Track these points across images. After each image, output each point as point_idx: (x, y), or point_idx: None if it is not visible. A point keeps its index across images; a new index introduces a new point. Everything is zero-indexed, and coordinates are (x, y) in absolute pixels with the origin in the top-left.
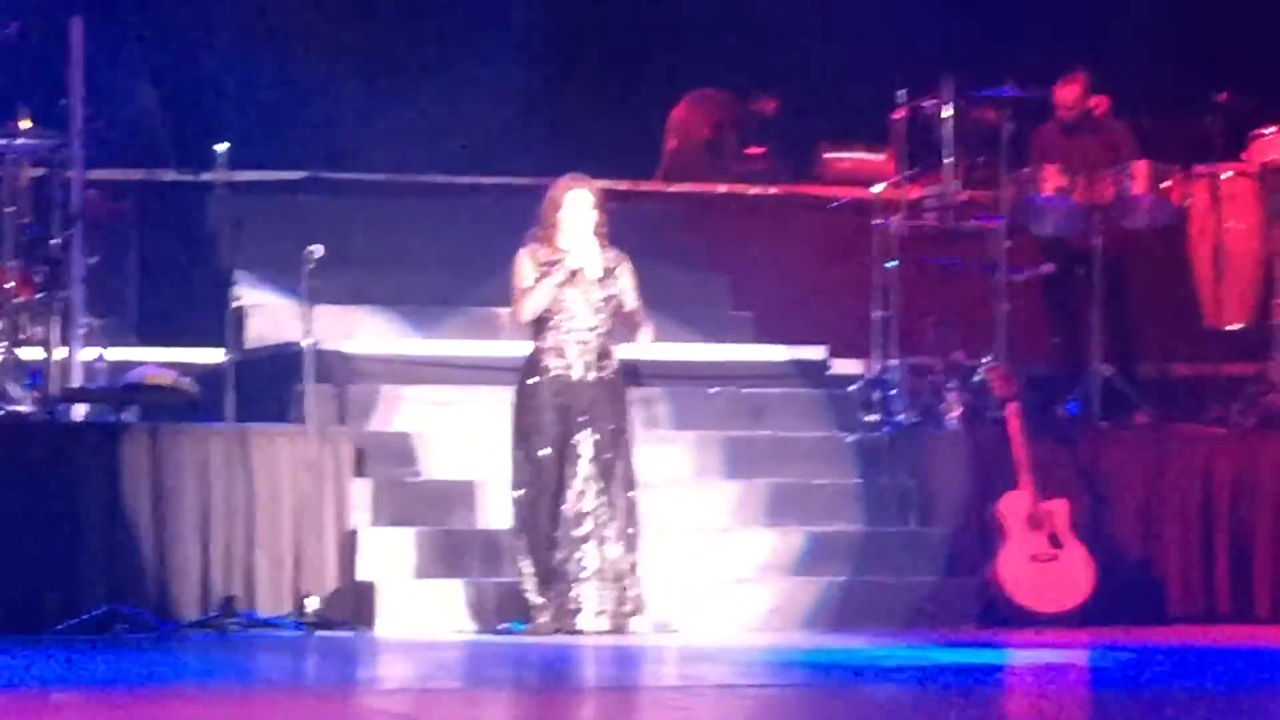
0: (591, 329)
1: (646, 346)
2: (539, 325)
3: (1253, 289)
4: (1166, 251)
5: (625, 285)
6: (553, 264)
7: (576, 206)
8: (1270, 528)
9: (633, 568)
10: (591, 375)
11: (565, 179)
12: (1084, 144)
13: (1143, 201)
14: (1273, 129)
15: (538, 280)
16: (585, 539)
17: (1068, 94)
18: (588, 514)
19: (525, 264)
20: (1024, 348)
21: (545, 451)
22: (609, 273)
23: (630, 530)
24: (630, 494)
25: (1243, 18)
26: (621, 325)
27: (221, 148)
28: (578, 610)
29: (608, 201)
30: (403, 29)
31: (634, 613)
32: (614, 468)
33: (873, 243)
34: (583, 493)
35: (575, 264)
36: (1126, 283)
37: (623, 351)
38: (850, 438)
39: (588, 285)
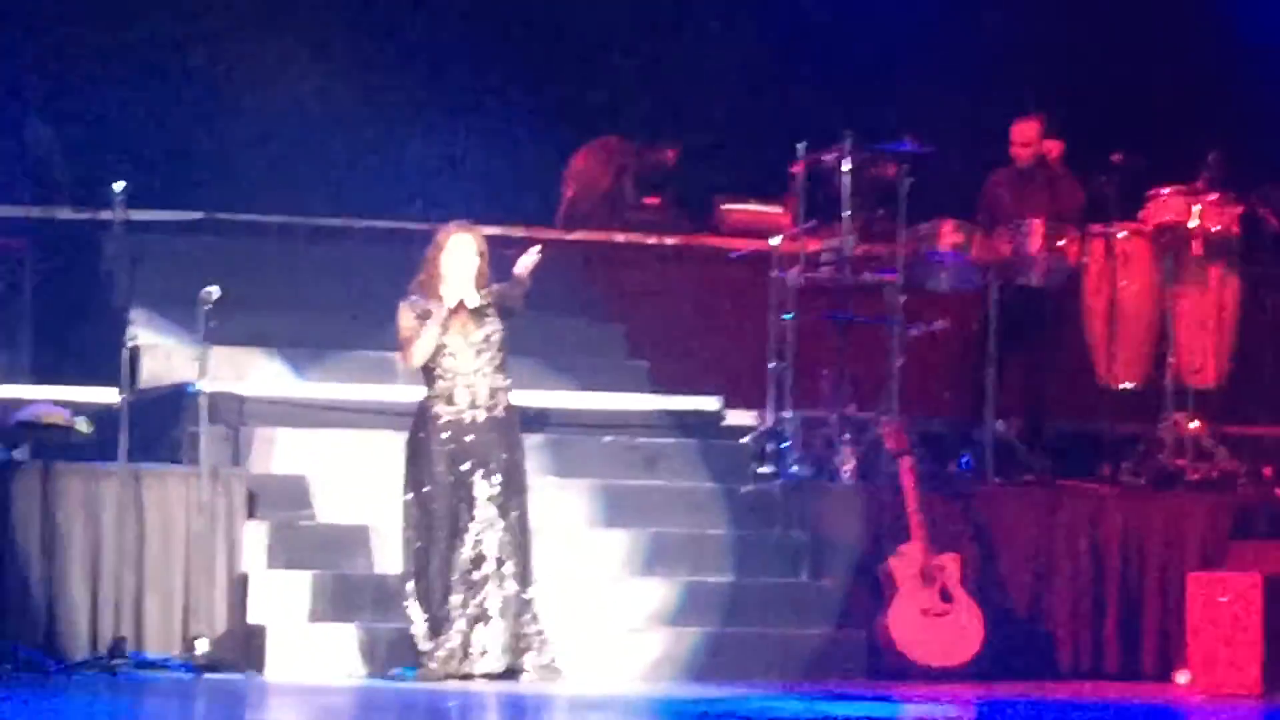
0: (476, 370)
1: (529, 260)
2: (427, 373)
3: (1146, 348)
4: (1061, 309)
5: (499, 291)
6: (430, 313)
7: (458, 251)
8: (1158, 586)
9: (530, 604)
10: (482, 416)
11: (449, 225)
12: (1039, 197)
13: (1038, 259)
14: (1168, 189)
15: (420, 327)
16: (485, 580)
17: (1024, 131)
18: (486, 556)
19: (404, 315)
20: (918, 402)
21: (438, 497)
22: (486, 311)
23: (526, 568)
24: (526, 532)
25: (1139, 79)
26: (513, 295)
27: (119, 186)
28: (481, 653)
29: (505, 248)
30: (303, 71)
31: (534, 649)
32: (509, 507)
33: (769, 294)
34: (480, 535)
35: (453, 301)
36: (1022, 340)
37: (516, 398)
38: (743, 489)
39: (468, 328)
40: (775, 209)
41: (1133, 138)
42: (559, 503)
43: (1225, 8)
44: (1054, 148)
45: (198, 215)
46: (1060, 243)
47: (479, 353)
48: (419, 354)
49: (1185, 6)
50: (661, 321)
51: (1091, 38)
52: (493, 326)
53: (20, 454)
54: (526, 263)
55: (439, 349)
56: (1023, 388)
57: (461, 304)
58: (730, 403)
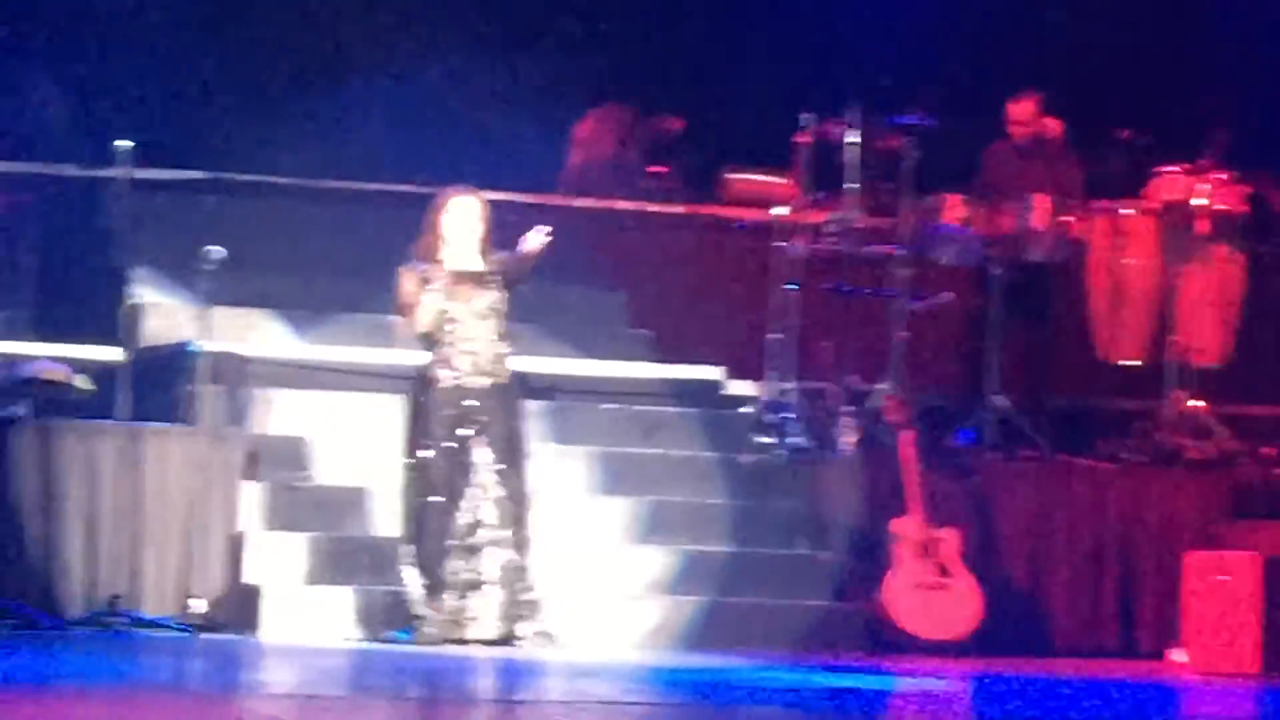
0: (479, 337)
1: (538, 239)
2: (428, 338)
3: (1148, 325)
4: (1064, 285)
5: (501, 259)
6: (431, 279)
7: (461, 215)
8: (1156, 564)
9: (526, 572)
10: (484, 382)
11: (452, 188)
12: (1037, 173)
13: (1042, 235)
14: (1173, 167)
15: (420, 292)
16: (482, 546)
17: (1020, 110)
18: (484, 522)
19: (405, 280)
20: (920, 376)
21: (437, 462)
22: (489, 278)
23: (524, 535)
24: (524, 500)
25: (1146, 56)
26: (519, 268)
27: (124, 144)
28: (475, 619)
29: (509, 214)
30: (311, 32)
31: (529, 616)
32: (509, 474)
33: (773, 265)
34: (478, 503)
35: (454, 265)
36: (1025, 315)
37: (518, 364)
38: (744, 459)
39: (471, 294)
40: (781, 179)
41: (1140, 115)
42: (559, 470)
43: None
44: (1054, 125)
45: (203, 175)
46: (1065, 218)
47: (482, 319)
48: (422, 318)
49: None
50: (664, 290)
51: (1099, 10)
52: (496, 294)
53: (20, 411)
54: (535, 241)
55: (442, 314)
56: (1024, 363)
57: (464, 269)
58: (732, 373)
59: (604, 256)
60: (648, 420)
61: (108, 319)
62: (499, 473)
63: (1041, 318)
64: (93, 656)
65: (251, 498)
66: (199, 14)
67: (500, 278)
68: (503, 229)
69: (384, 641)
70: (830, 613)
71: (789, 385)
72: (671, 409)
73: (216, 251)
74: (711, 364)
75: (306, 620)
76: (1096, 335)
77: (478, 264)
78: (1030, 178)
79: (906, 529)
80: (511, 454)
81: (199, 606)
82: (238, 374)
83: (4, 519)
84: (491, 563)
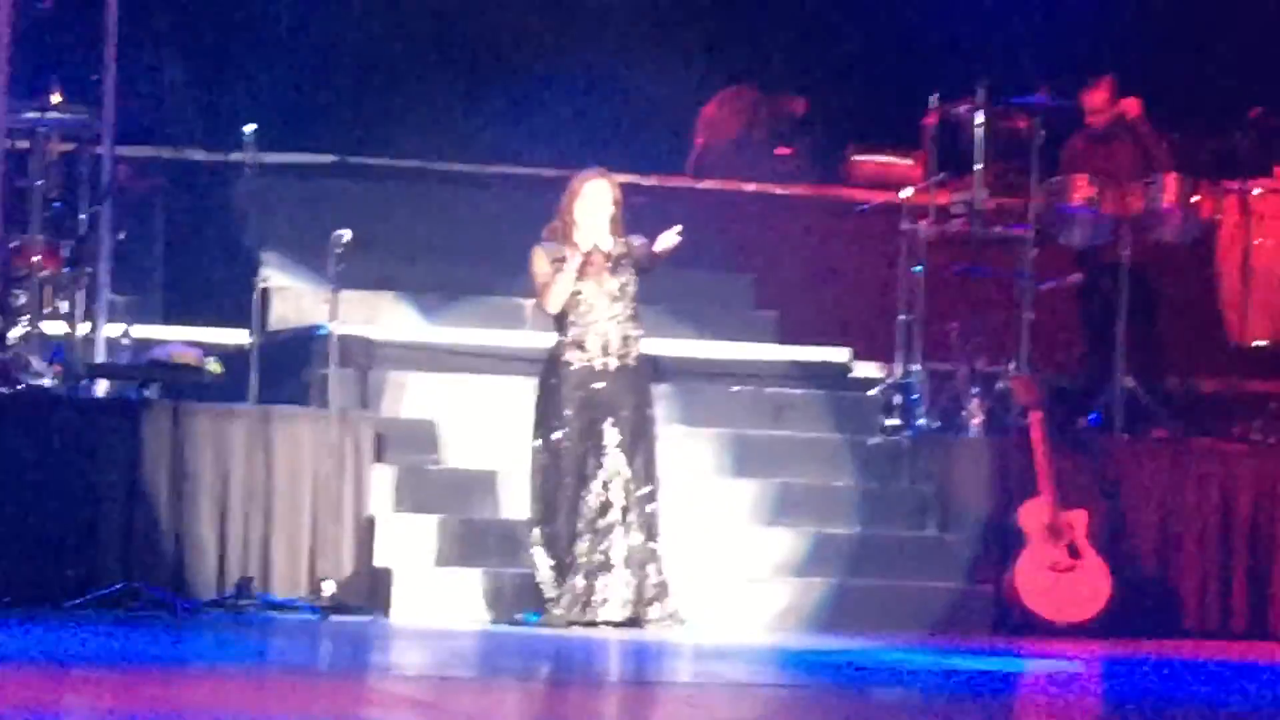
0: (610, 318)
1: (670, 240)
2: (559, 319)
3: (1279, 306)
4: (1194, 266)
5: (636, 247)
6: (564, 259)
7: (594, 198)
8: None
9: (655, 554)
10: (614, 364)
11: (585, 171)
12: (1115, 152)
13: (1172, 215)
14: None
15: (555, 272)
16: (611, 528)
17: (1094, 99)
18: (613, 504)
19: (539, 260)
20: (1048, 357)
21: (567, 444)
22: (620, 260)
23: (652, 517)
24: (652, 482)
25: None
26: (650, 264)
27: (250, 129)
28: (603, 601)
29: (636, 196)
30: (434, 17)
31: (657, 599)
32: (637, 456)
33: (899, 247)
34: (607, 483)
35: (587, 246)
36: (1153, 296)
37: (646, 346)
38: (871, 441)
39: (603, 276)
40: (906, 160)
41: (1272, 94)
42: (687, 451)
43: None
44: (1132, 105)
45: (329, 159)
46: (1194, 199)
47: (613, 300)
48: (555, 299)
49: None
50: (790, 272)
51: None
52: (627, 276)
53: (152, 393)
54: (666, 243)
55: (573, 296)
56: (1153, 344)
57: (596, 249)
58: (858, 354)
59: (730, 238)
60: (775, 402)
61: (237, 303)
62: (628, 454)
63: (1169, 299)
64: (224, 638)
65: (381, 480)
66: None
67: (631, 263)
68: (632, 211)
69: (514, 623)
70: (959, 595)
71: (916, 367)
72: (798, 391)
73: (344, 234)
74: (838, 345)
75: (437, 603)
76: (1227, 316)
77: (609, 245)
78: (1109, 158)
79: (1035, 511)
80: (640, 436)
81: (329, 589)
82: (366, 357)
83: (136, 502)
84: (620, 545)
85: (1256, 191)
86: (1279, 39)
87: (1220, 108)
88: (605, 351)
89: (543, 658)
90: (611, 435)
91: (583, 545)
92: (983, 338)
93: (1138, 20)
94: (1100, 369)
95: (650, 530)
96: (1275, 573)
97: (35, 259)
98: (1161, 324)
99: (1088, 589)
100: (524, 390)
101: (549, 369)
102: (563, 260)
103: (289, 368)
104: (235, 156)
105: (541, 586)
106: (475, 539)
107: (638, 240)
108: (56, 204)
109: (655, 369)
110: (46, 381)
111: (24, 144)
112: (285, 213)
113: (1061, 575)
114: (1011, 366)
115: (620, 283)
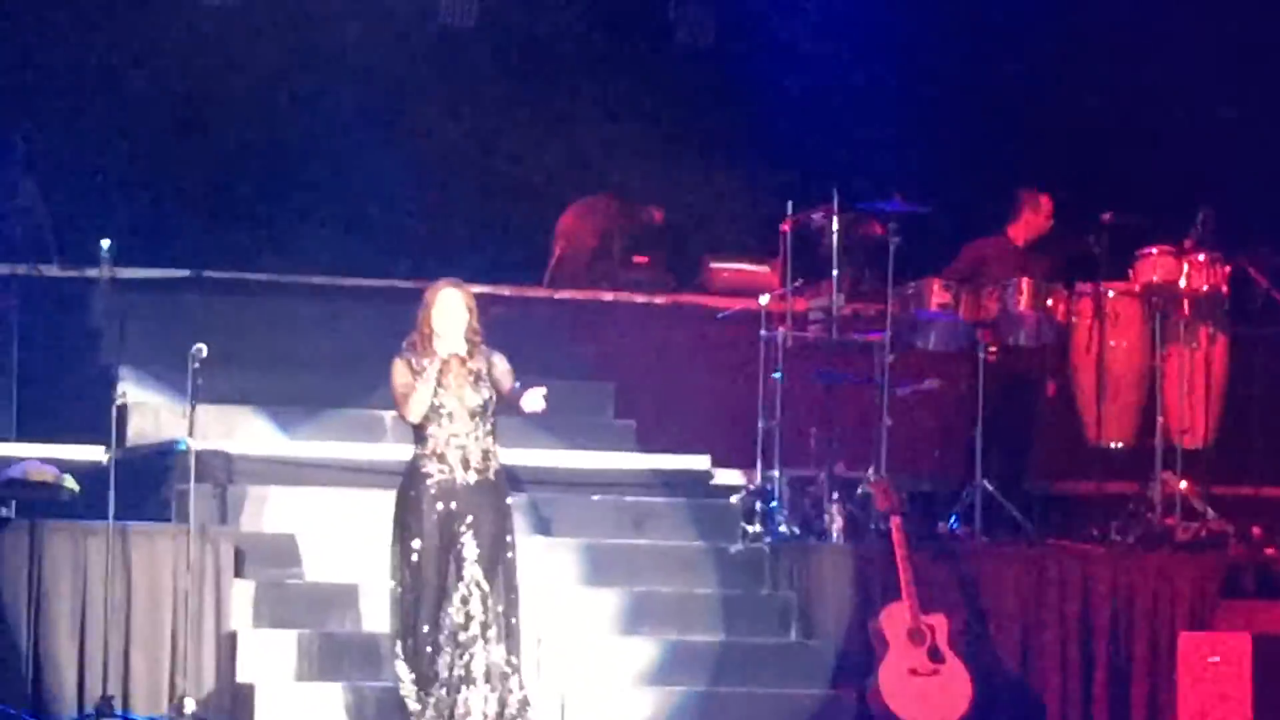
0: (469, 433)
1: (537, 404)
2: (419, 431)
3: (1135, 408)
4: (1054, 367)
5: (500, 372)
6: (423, 370)
7: (447, 307)
8: (1148, 646)
9: (517, 668)
10: (473, 478)
11: (438, 282)
12: (1041, 263)
13: (1027, 318)
14: (1157, 248)
15: (415, 382)
16: (472, 642)
17: (1039, 220)
18: (473, 617)
19: (400, 371)
20: (907, 462)
21: (427, 556)
22: (480, 375)
23: (513, 631)
24: (512, 595)
25: (1126, 139)
26: (508, 408)
27: (105, 244)
28: (465, 715)
29: (493, 306)
30: (291, 128)
31: (519, 715)
32: (497, 569)
33: (758, 354)
34: (466, 597)
35: (445, 352)
36: (1011, 399)
37: (505, 456)
38: (733, 548)
39: (464, 390)
40: (763, 268)
41: (1123, 197)
42: (547, 562)
43: (1216, 72)
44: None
45: (185, 273)
46: (1049, 301)
47: (472, 416)
48: (416, 408)
49: (1176, 70)
50: (649, 380)
51: (1081, 93)
52: (489, 394)
53: (8, 512)
54: (533, 405)
55: (435, 408)
56: (1011, 447)
57: (454, 356)
58: (719, 462)
59: (589, 347)
60: (636, 510)
61: (93, 419)
62: (487, 568)
63: (1028, 402)
64: None
65: (242, 595)
66: (176, 116)
67: (494, 386)
68: (490, 322)
69: None
70: (823, 701)
71: (776, 473)
72: (659, 499)
73: (202, 349)
74: (698, 453)
75: (299, 718)
76: (1084, 418)
77: (465, 352)
78: (1032, 271)
79: (897, 616)
80: (500, 549)
81: (190, 706)
82: (226, 472)
83: None
84: (480, 660)
85: (1110, 293)
86: (1131, 143)
87: (1072, 210)
88: (465, 466)
89: None
90: (471, 549)
91: (444, 659)
92: (842, 444)
93: (992, 126)
94: (959, 473)
95: (511, 644)
96: (1135, 672)
97: None
98: (1020, 427)
99: (950, 693)
100: (384, 503)
101: (408, 481)
102: (423, 370)
103: (147, 484)
104: (90, 272)
105: (405, 700)
106: (336, 653)
107: (502, 365)
108: None
109: (514, 479)
110: None
111: None
112: (141, 328)
113: (924, 680)
114: (871, 472)
115: (482, 400)
